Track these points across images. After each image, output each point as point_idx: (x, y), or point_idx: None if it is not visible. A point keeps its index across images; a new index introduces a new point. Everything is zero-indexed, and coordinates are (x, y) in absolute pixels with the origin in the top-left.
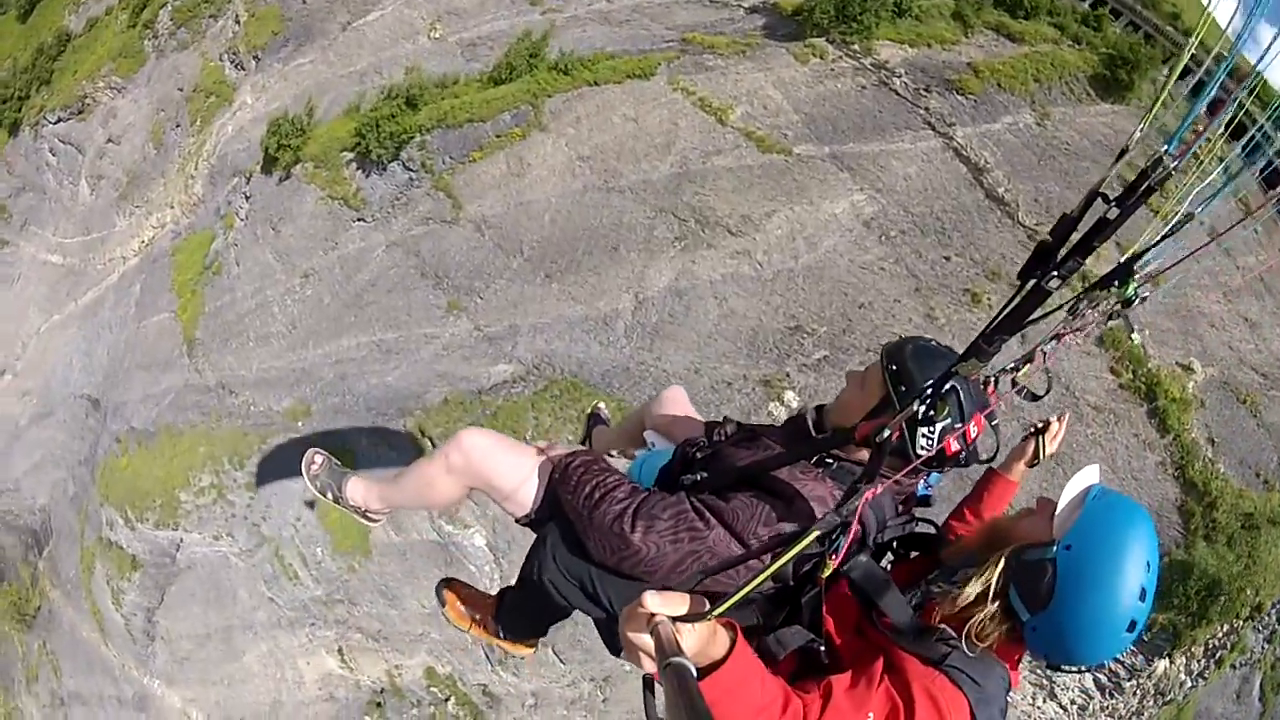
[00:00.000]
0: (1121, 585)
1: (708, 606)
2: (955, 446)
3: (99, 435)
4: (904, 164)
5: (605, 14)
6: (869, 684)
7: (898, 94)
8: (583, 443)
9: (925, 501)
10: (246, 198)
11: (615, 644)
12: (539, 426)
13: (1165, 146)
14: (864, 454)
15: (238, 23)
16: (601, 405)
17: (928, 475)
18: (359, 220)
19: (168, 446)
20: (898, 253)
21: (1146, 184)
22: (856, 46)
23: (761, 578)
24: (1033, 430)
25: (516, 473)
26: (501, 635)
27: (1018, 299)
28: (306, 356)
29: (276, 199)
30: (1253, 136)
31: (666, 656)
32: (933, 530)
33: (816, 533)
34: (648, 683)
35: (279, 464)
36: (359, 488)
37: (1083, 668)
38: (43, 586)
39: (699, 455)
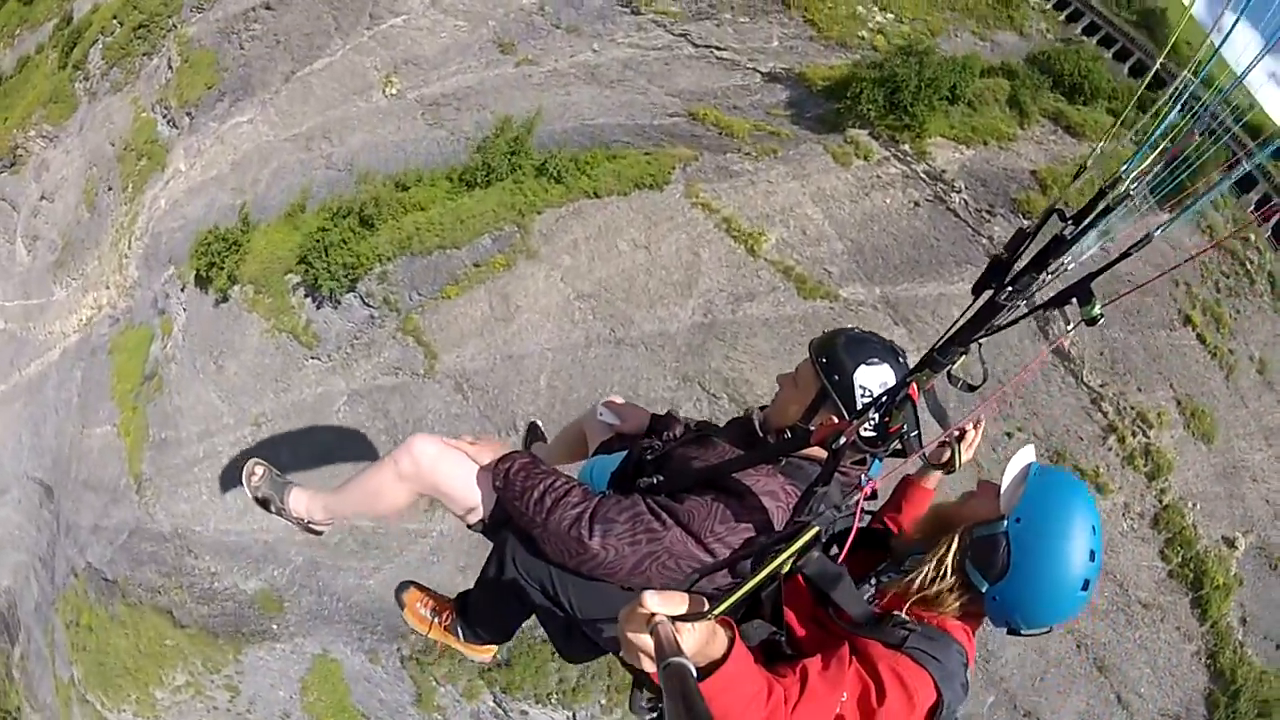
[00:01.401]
0: (1072, 548)
1: (706, 606)
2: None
3: (56, 541)
4: (960, 309)
5: (592, 69)
6: (840, 666)
7: (956, 215)
8: None
9: (873, 497)
10: (184, 308)
11: (569, 647)
12: (564, 681)
13: (1123, 167)
14: (814, 450)
15: (170, 68)
16: (538, 421)
17: (869, 468)
18: (313, 359)
19: (130, 620)
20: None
21: (1104, 203)
22: (907, 146)
23: (761, 576)
24: (949, 438)
25: (468, 480)
26: (461, 638)
27: (971, 312)
28: (269, 527)
29: (215, 326)
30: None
31: (666, 656)
32: (879, 526)
33: (816, 529)
34: (636, 681)
35: (259, 672)
36: (302, 499)
37: (1044, 629)
38: (19, 693)
39: (650, 458)
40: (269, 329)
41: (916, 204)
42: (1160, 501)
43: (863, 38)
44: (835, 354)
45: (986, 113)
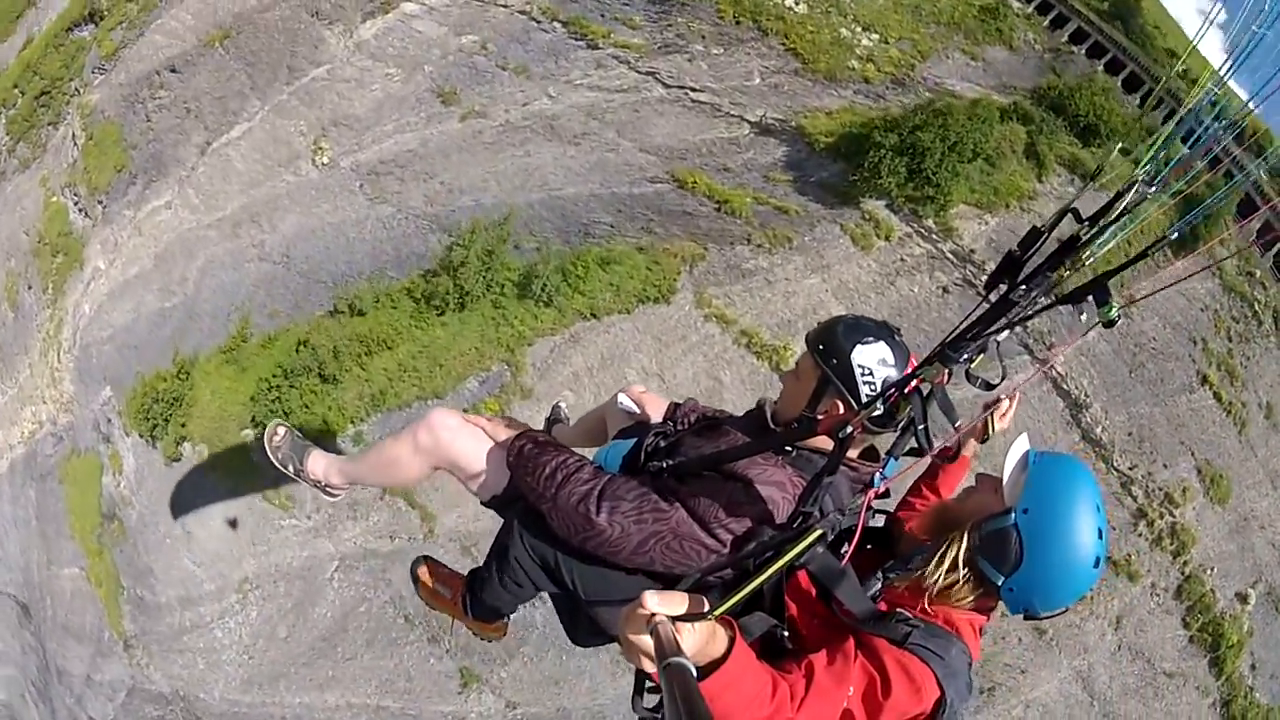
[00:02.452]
0: (1081, 530)
1: (707, 606)
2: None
3: (48, 676)
4: (975, 307)
5: (550, 121)
6: (845, 660)
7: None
8: None
9: (883, 495)
10: (132, 454)
11: (574, 625)
12: None
13: (1138, 171)
14: (822, 441)
15: (76, 144)
16: (561, 404)
17: (884, 466)
18: (290, 520)
19: None
20: None
21: (1121, 206)
22: (930, 221)
23: (764, 577)
24: (984, 408)
25: (484, 454)
26: (470, 615)
27: (982, 308)
28: (280, 700)
29: (171, 485)
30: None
31: (666, 656)
32: (888, 522)
33: (819, 531)
34: (639, 681)
35: None
36: (320, 462)
37: (1061, 610)
38: None
39: (663, 444)
40: (233, 489)
41: (945, 290)
42: (1183, 573)
43: (853, 69)
44: (830, 339)
45: (1005, 166)
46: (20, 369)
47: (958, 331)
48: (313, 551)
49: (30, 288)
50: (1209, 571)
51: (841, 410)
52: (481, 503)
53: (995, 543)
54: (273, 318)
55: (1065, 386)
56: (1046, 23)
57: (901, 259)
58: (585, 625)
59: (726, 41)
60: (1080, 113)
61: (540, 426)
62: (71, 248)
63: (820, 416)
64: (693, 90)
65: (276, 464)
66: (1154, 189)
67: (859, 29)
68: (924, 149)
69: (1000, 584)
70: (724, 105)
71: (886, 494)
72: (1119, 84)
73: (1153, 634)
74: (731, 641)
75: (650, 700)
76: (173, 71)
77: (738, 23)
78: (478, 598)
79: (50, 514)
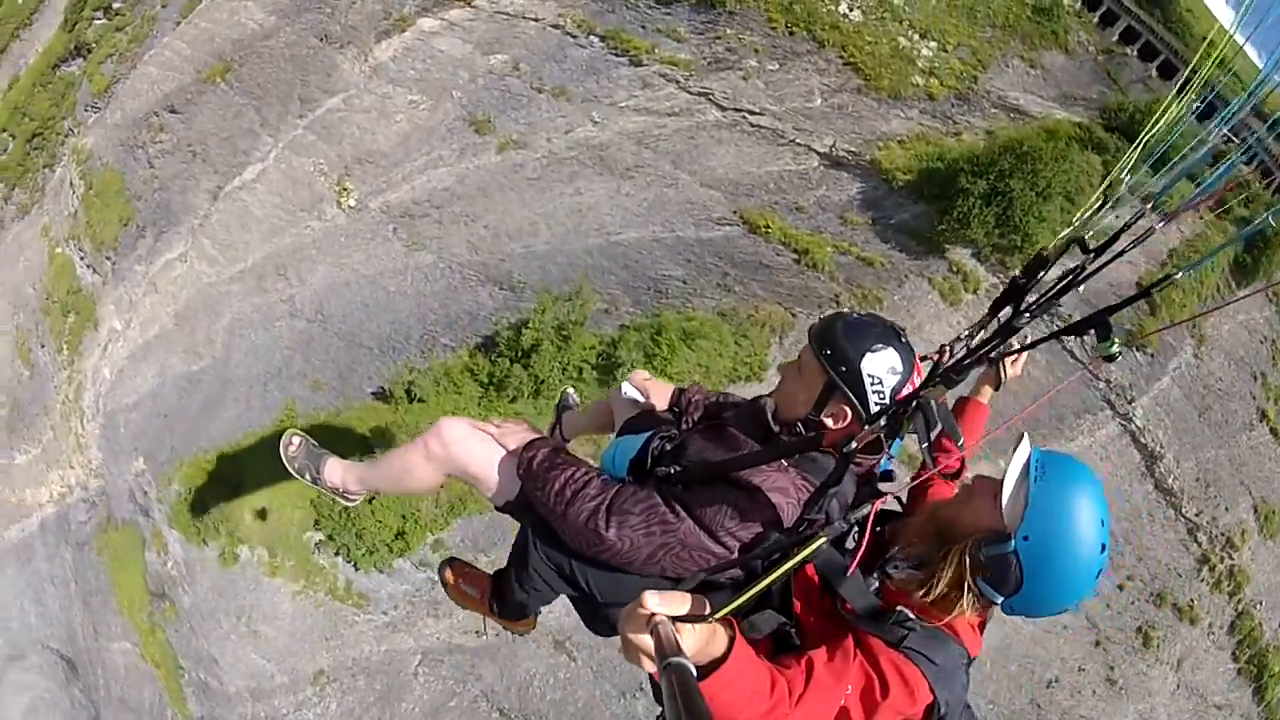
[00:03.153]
0: (1084, 553)
1: (707, 607)
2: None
3: None
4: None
5: (599, 151)
6: (845, 658)
7: (1073, 355)
8: (552, 431)
9: (888, 476)
10: (181, 550)
11: (594, 621)
12: None
13: (1149, 204)
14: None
15: (75, 192)
16: (570, 391)
17: (889, 450)
18: (366, 617)
19: None
20: None
21: (1130, 238)
22: (1016, 270)
23: (766, 583)
24: (997, 356)
25: (495, 463)
26: (497, 614)
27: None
28: None
29: (229, 585)
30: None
31: (666, 657)
32: (898, 508)
33: (823, 539)
34: (654, 683)
35: None
36: (337, 469)
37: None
38: None
39: (668, 446)
40: (300, 590)
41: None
42: (1236, 610)
43: (916, 85)
44: (839, 345)
45: (1082, 201)
46: (42, 430)
47: (959, 357)
48: (392, 646)
49: (44, 346)
50: (1259, 605)
51: (848, 415)
52: (495, 507)
53: (995, 568)
54: (316, 390)
55: (1143, 440)
56: (1096, 19)
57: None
58: (604, 621)
59: (781, 55)
60: (1153, 140)
61: (553, 418)
62: (83, 306)
63: (826, 420)
64: (751, 113)
65: (294, 473)
66: (1161, 223)
67: (916, 37)
68: (1013, 196)
69: (999, 603)
70: (787, 131)
71: (891, 476)
72: (1155, 71)
73: (1206, 670)
74: (731, 641)
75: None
76: (172, 112)
77: (791, 33)
78: (503, 598)
79: (93, 586)
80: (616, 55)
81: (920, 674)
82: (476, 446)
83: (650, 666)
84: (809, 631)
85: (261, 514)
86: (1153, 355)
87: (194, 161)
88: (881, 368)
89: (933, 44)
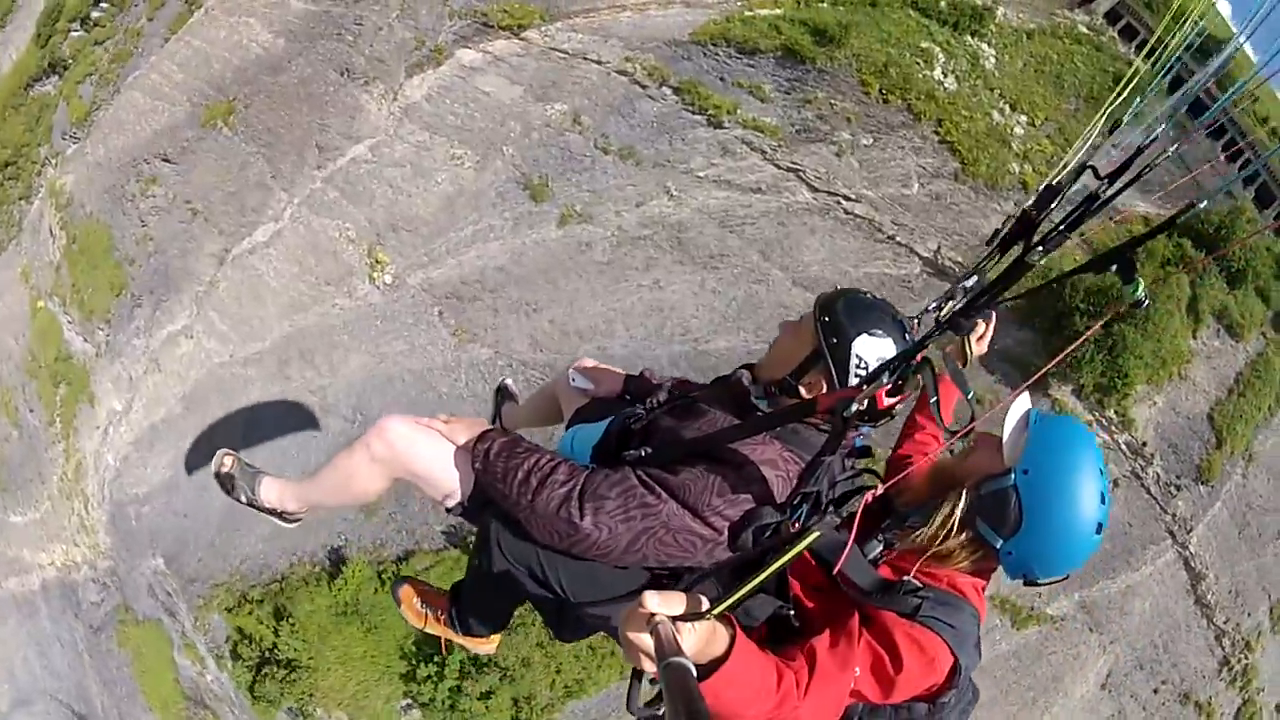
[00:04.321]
0: (1083, 494)
1: (705, 605)
2: (889, 401)
3: None
4: (1141, 599)
5: (676, 232)
6: (849, 641)
7: (1148, 491)
8: (492, 421)
9: (865, 452)
10: (229, 679)
11: (561, 629)
12: None
13: (1154, 133)
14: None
15: (54, 240)
16: (509, 381)
17: (860, 428)
18: None
19: None
20: (1119, 703)
21: (1140, 166)
22: (1112, 412)
23: (763, 577)
24: (963, 333)
25: (446, 460)
26: (459, 631)
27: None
28: None
29: None
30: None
31: (666, 656)
32: (878, 481)
33: (817, 534)
34: (636, 675)
35: None
36: (273, 488)
37: (1061, 578)
38: None
39: (636, 427)
40: None
41: (1115, 483)
42: (1243, 698)
43: (1012, 172)
44: (838, 315)
45: (1168, 324)
46: (38, 498)
47: (969, 299)
48: None
49: (32, 410)
50: (1261, 692)
51: (823, 388)
52: (447, 511)
53: (994, 504)
54: (369, 516)
55: (1194, 565)
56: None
57: None
58: (572, 623)
59: (876, 128)
60: (1234, 257)
61: (491, 409)
62: (75, 378)
63: (801, 387)
64: (846, 199)
65: (227, 494)
66: (1175, 146)
67: (1008, 109)
68: (1125, 343)
69: (999, 547)
70: (885, 225)
71: (868, 452)
72: (1252, 199)
73: None
74: (732, 640)
75: (648, 696)
76: (166, 161)
77: (885, 100)
78: (465, 614)
79: (114, 676)
80: (693, 112)
81: (940, 640)
82: (424, 444)
83: (650, 667)
84: (810, 613)
85: (337, 683)
86: (1213, 487)
87: (194, 221)
88: (872, 353)
89: (1023, 118)
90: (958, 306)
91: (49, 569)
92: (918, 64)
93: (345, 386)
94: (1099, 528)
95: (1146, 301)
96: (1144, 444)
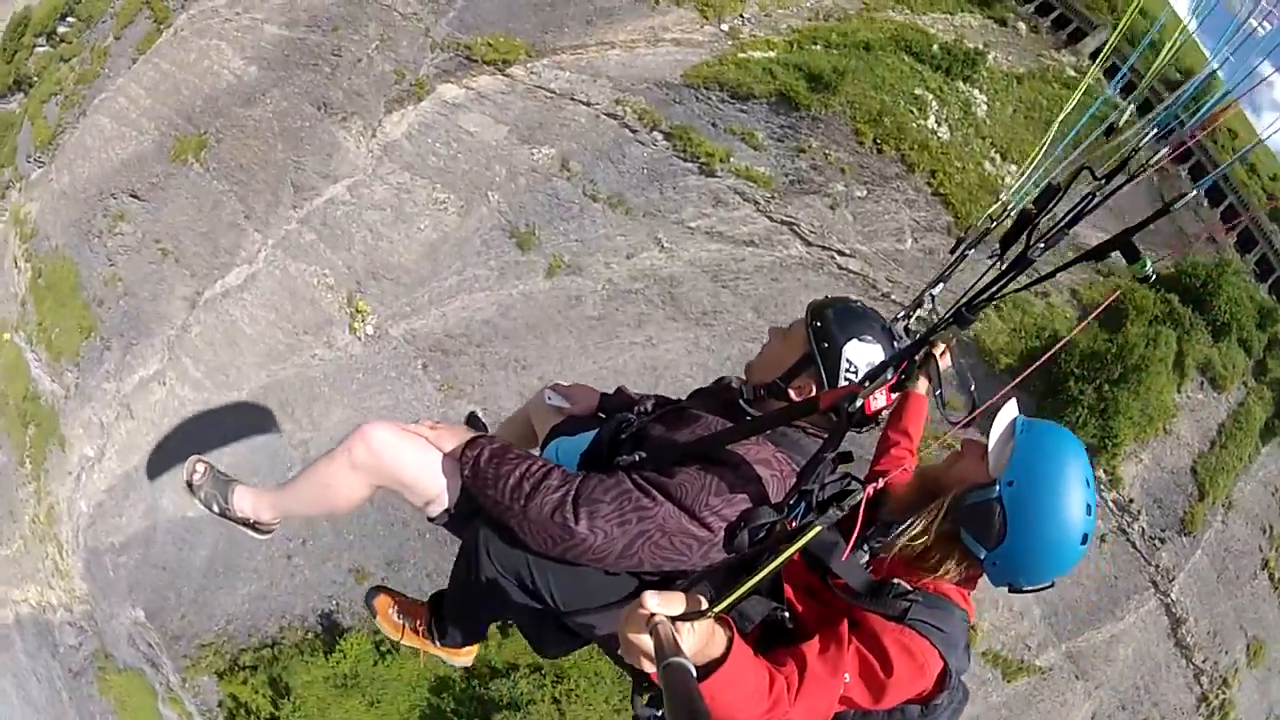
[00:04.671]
0: (1068, 506)
1: (705, 605)
2: (877, 406)
3: None
4: (1124, 646)
5: (669, 287)
6: (839, 647)
7: (1134, 545)
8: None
9: (848, 457)
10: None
11: (543, 642)
12: None
13: (1151, 130)
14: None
15: (19, 270)
16: (478, 410)
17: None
18: None
19: None
20: None
21: (1136, 166)
22: (1101, 471)
23: (762, 575)
24: (925, 352)
25: (431, 468)
26: (438, 643)
27: (989, 267)
28: None
29: None
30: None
31: (666, 657)
32: (861, 487)
33: (818, 529)
34: (638, 681)
35: None
36: (247, 498)
37: (1046, 585)
38: None
39: (625, 436)
40: None
41: (1103, 539)
42: None
43: (1003, 227)
44: (829, 321)
45: (1155, 383)
46: (9, 536)
47: (972, 292)
48: None
49: (0, 447)
50: None
51: (812, 390)
52: (431, 520)
53: (978, 515)
54: (359, 580)
55: (1175, 611)
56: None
57: None
58: (555, 635)
59: (870, 179)
60: (1219, 311)
61: None
62: (44, 420)
63: (790, 390)
64: (840, 254)
65: (200, 504)
66: (1168, 149)
67: (999, 158)
68: (1119, 407)
69: (983, 558)
70: (879, 281)
71: (850, 457)
72: (1242, 258)
73: None
74: (730, 641)
75: (647, 699)
76: (135, 198)
77: (879, 150)
78: (445, 624)
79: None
80: (684, 159)
81: (929, 644)
82: (409, 451)
83: (650, 667)
84: (802, 615)
85: None
86: (1194, 536)
87: (165, 261)
88: (862, 358)
89: (1013, 167)
90: (962, 302)
91: (23, 605)
92: (911, 112)
93: (328, 442)
94: (1085, 538)
95: (1154, 276)
96: (1130, 500)
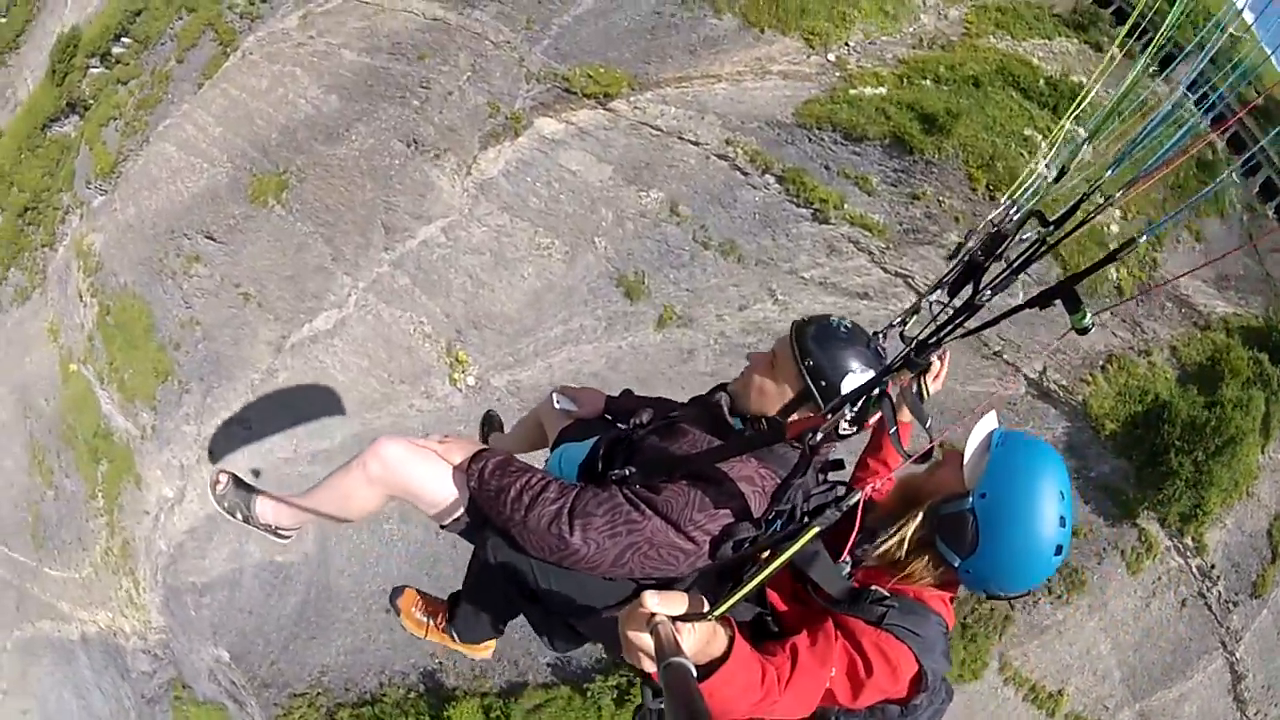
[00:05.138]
0: (1040, 519)
1: (706, 606)
2: (846, 432)
3: None
4: (1190, 703)
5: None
6: (827, 641)
7: (1210, 609)
8: None
9: (838, 465)
10: None
11: (553, 638)
12: None
13: (1108, 171)
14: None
15: (84, 304)
16: (493, 411)
17: (832, 445)
18: None
19: None
20: None
21: (1085, 211)
22: (1189, 539)
23: (763, 576)
24: (918, 371)
25: (441, 480)
26: (456, 639)
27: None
28: None
29: None
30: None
31: (666, 656)
32: (849, 495)
33: (816, 529)
34: (646, 680)
35: None
36: (269, 506)
37: (1022, 593)
38: None
39: (619, 450)
40: None
41: (1184, 603)
42: None
43: (1109, 279)
44: (822, 360)
45: (1246, 452)
46: (78, 562)
47: (922, 339)
48: None
49: (68, 477)
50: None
51: (812, 418)
52: (441, 527)
53: (952, 525)
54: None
55: (1239, 669)
56: (1242, 169)
57: (1159, 577)
58: (564, 632)
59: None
60: None
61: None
62: (118, 457)
63: (789, 423)
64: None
65: (224, 512)
66: (1120, 192)
67: (1101, 201)
68: (1213, 479)
69: (957, 566)
70: (990, 339)
71: (840, 465)
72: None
73: None
74: (731, 640)
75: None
76: (210, 239)
77: (992, 197)
78: (463, 622)
79: None
80: (797, 204)
81: (905, 648)
82: (420, 465)
83: (650, 666)
84: (786, 618)
85: None
86: (1263, 598)
87: (246, 305)
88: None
89: (1116, 213)
90: (912, 348)
91: (90, 625)
92: (1022, 155)
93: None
94: (1058, 549)
95: (1092, 327)
96: (1212, 566)
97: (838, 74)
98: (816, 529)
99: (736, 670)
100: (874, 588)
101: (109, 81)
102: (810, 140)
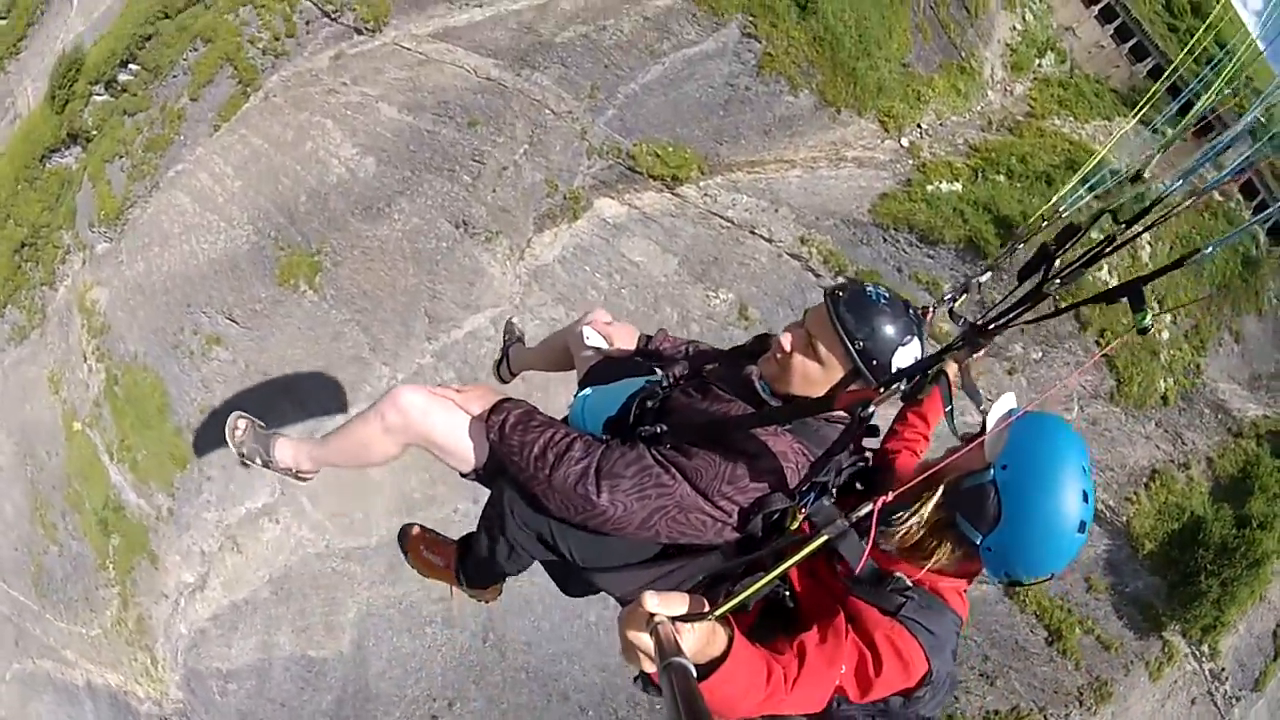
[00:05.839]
0: (1065, 490)
1: (707, 606)
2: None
3: None
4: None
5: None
6: (837, 638)
7: (1215, 706)
8: (498, 365)
9: (874, 431)
10: None
11: (567, 586)
12: None
13: (1178, 181)
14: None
15: (88, 366)
16: (515, 320)
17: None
18: None
19: None
20: None
21: (1159, 212)
22: (1207, 646)
23: (768, 579)
24: (939, 369)
25: (460, 429)
26: (464, 583)
27: (1017, 295)
28: None
29: None
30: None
31: (666, 657)
32: (877, 457)
33: (825, 537)
34: (647, 681)
35: None
36: (288, 449)
37: (1045, 577)
38: None
39: (651, 406)
40: None
41: (1193, 701)
42: None
43: (1157, 390)
44: (872, 338)
45: (1268, 571)
46: (86, 620)
47: (990, 318)
48: None
49: (75, 540)
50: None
51: (862, 390)
52: (461, 475)
53: (973, 499)
54: None
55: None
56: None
57: (1174, 682)
58: (578, 584)
59: (1045, 338)
60: None
61: (499, 352)
62: (131, 533)
63: (840, 395)
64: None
65: (243, 458)
66: (1180, 183)
67: (1156, 306)
68: (1235, 598)
69: (979, 543)
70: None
71: (875, 432)
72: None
73: None
74: (731, 640)
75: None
76: (232, 321)
77: (1056, 305)
78: (472, 566)
79: None
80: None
81: (917, 645)
82: (439, 414)
83: (650, 667)
84: (801, 596)
85: None
86: (1262, 692)
87: (272, 393)
88: (908, 360)
89: (1167, 317)
90: (978, 325)
91: (97, 678)
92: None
93: (474, 605)
94: (1082, 526)
95: (1150, 329)
96: (1222, 669)
97: (911, 162)
98: (826, 537)
99: (736, 669)
100: (898, 575)
101: (114, 111)
102: (885, 240)
